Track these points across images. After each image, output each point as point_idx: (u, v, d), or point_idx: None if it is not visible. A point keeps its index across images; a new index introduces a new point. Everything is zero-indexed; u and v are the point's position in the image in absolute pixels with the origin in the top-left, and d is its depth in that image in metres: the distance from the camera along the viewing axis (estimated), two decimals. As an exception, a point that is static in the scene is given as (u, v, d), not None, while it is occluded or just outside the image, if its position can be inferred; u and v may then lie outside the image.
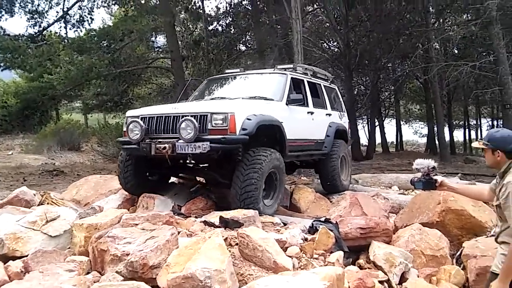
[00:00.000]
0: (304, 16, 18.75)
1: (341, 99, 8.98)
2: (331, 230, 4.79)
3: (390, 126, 32.86)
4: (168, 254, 3.64)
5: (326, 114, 7.88)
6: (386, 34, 17.96)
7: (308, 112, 7.11)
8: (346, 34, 18.80)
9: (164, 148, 5.19)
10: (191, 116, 5.21)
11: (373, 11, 17.70)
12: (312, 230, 5.02)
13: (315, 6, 20.76)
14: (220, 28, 20.95)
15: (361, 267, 4.68)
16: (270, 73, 7.36)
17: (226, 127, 5.12)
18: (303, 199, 6.75)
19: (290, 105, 6.46)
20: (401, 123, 33.22)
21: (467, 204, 5.34)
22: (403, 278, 4.60)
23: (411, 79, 24.85)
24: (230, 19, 20.96)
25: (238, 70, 7.87)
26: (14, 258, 3.83)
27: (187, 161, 5.73)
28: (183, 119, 5.17)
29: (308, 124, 7.07)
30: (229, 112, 5.18)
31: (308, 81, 7.54)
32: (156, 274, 3.49)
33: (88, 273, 3.65)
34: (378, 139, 27.50)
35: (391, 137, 32.13)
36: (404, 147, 31.97)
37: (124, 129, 5.80)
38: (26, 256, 3.79)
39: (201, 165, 6.31)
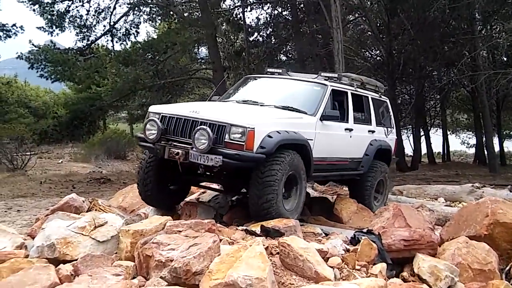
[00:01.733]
0: (345, 25, 18.64)
1: (391, 113, 8.15)
2: (374, 242, 4.73)
3: (436, 136, 31.94)
4: (210, 261, 3.70)
5: (369, 131, 7.22)
6: (431, 42, 17.56)
7: (346, 129, 6.54)
8: (388, 42, 18.52)
9: (177, 154, 4.96)
10: (209, 124, 4.92)
11: (416, 19, 17.36)
12: (354, 241, 4.97)
13: (356, 15, 20.61)
14: (260, 39, 21.14)
15: (405, 280, 4.58)
16: (309, 81, 6.75)
17: (243, 143, 4.79)
18: (345, 209, 6.67)
19: (324, 121, 5.97)
20: (448, 133, 32.27)
21: (517, 216, 5.14)
22: (449, 292, 4.48)
23: (458, 87, 24.13)
24: (271, 30, 21.11)
25: (280, 70, 7.24)
26: (65, 261, 4.00)
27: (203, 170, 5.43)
28: (198, 128, 4.88)
29: (343, 142, 6.52)
30: (249, 127, 4.82)
31: (352, 93, 6.87)
32: (198, 281, 3.55)
33: (134, 277, 3.76)
34: (424, 150, 26.83)
35: (437, 147, 31.24)
36: (451, 157, 31.02)
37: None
38: (76, 260, 3.94)
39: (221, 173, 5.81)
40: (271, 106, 5.91)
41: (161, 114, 5.32)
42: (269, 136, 4.93)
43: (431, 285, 4.42)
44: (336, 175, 6.65)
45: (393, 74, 19.03)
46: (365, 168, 6.95)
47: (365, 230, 5.18)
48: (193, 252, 3.72)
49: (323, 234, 5.22)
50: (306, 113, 5.86)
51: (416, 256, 4.76)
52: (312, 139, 5.64)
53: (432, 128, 30.69)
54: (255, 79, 7.26)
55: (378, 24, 19.98)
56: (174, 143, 5.07)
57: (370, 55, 22.59)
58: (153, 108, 5.61)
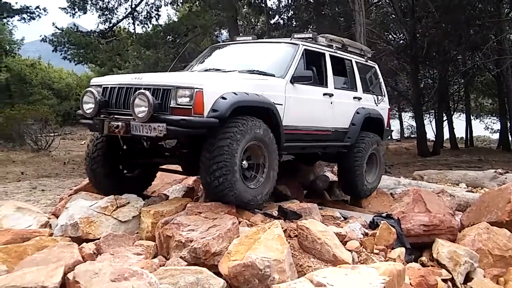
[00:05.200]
0: (368, 7, 18.31)
1: (380, 79, 7.34)
2: (393, 226, 4.71)
3: (459, 121, 31.36)
4: (229, 242, 3.75)
5: (354, 98, 6.42)
6: (455, 25, 17.14)
7: (325, 94, 5.76)
8: (412, 25, 18.15)
9: (117, 127, 4.26)
10: (152, 90, 4.22)
11: (441, 1, 16.93)
12: (373, 225, 4.97)
13: (379, -3, 20.24)
14: (281, 22, 20.95)
15: (423, 265, 4.58)
16: (278, 42, 6.12)
17: (191, 107, 4.07)
18: (364, 194, 6.62)
19: (296, 83, 5.22)
20: (471, 118, 31.63)
21: (541, 203, 5.05)
22: (468, 278, 4.47)
23: (483, 72, 23.56)
24: (292, 12, 20.90)
25: (250, 38, 6.48)
26: (87, 240, 4.10)
27: (162, 147, 4.85)
28: (136, 93, 4.18)
29: (322, 108, 5.75)
30: (197, 88, 4.10)
31: (331, 55, 6.09)
32: (217, 261, 3.61)
33: (154, 257, 3.84)
34: (447, 135, 26.40)
35: (460, 132, 30.70)
36: (474, 143, 30.47)
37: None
38: (98, 239, 4.04)
39: (180, 150, 5.04)
40: (234, 72, 5.18)
41: (103, 86, 4.69)
42: (223, 98, 4.23)
43: (450, 270, 4.41)
44: (316, 146, 5.84)
45: (417, 58, 18.70)
46: (352, 139, 6.20)
47: (384, 215, 5.17)
48: (212, 233, 3.78)
49: (342, 218, 5.22)
50: (273, 76, 5.16)
51: (436, 242, 4.75)
52: (281, 104, 4.96)
53: (455, 113, 30.14)
54: (221, 47, 6.51)
55: (402, 7, 19.56)
56: (116, 116, 4.43)
57: (393, 38, 22.22)
58: (94, 80, 4.96)
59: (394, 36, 22.35)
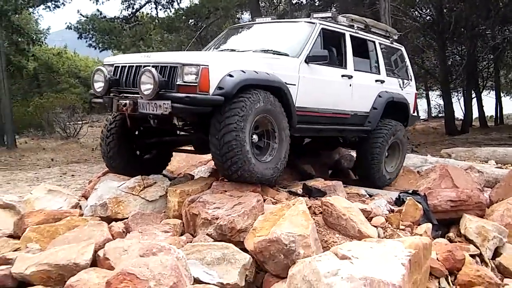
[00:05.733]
0: (393, -17, 17.88)
1: (407, 63, 7.06)
2: (419, 202, 4.67)
3: (489, 98, 30.54)
4: (254, 219, 3.79)
5: (376, 81, 6.15)
6: (484, -2, 16.61)
7: (343, 76, 5.56)
8: (439, 0, 17.66)
9: (125, 105, 4.25)
10: (159, 67, 4.20)
11: (470, -26, 16.41)
12: (399, 202, 4.94)
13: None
14: (304, 1, 20.65)
15: (451, 241, 4.53)
16: (295, 21, 5.99)
17: (196, 84, 4.03)
18: (390, 172, 6.56)
19: (311, 63, 5.06)
20: (502, 95, 30.75)
21: None
22: (496, 253, 4.41)
23: (513, 46, 22.81)
24: (315, -9, 20.57)
25: (270, 19, 6.31)
26: (116, 220, 4.20)
27: (173, 126, 4.82)
28: (143, 70, 4.15)
29: (340, 90, 5.55)
30: (202, 65, 4.04)
31: (352, 36, 5.88)
32: (243, 238, 3.66)
33: (181, 234, 3.92)
34: (476, 113, 25.78)
35: (490, 110, 29.91)
36: (504, 121, 29.67)
37: None
38: (127, 218, 4.14)
39: (191, 128, 5.03)
40: (248, 52, 5.09)
41: (114, 64, 4.66)
42: (230, 75, 4.15)
43: (478, 245, 4.35)
44: (333, 129, 5.64)
45: (444, 34, 18.23)
46: (372, 124, 5.93)
47: (410, 191, 5.13)
48: (237, 211, 3.82)
49: (367, 196, 5.19)
50: (287, 55, 5.04)
51: (463, 217, 4.68)
52: (294, 84, 4.83)
53: (484, 90, 29.35)
54: (239, 29, 6.42)
55: (427, -19, 19.04)
56: (125, 95, 4.42)
57: (419, 15, 21.63)
58: (107, 59, 4.94)
59: (420, 12, 21.76)
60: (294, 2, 20.40)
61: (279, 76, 4.62)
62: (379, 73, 6.28)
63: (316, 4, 20.28)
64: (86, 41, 19.05)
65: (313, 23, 5.43)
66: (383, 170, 6.01)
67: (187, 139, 5.35)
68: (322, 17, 5.68)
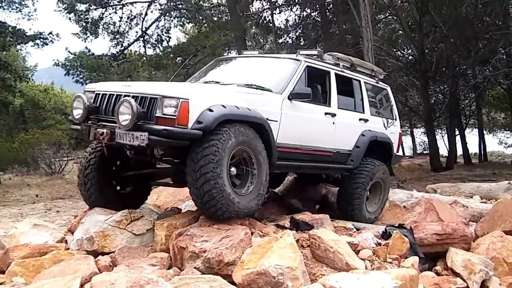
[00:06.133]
0: (376, 24, 18.47)
1: (393, 103, 7.09)
2: (406, 236, 4.72)
3: (472, 136, 31.13)
4: (242, 252, 3.79)
5: (360, 119, 6.17)
6: (464, 39, 17.19)
7: (326, 113, 5.55)
8: (420, 41, 18.24)
9: (102, 134, 4.19)
10: (138, 98, 4.15)
11: (448, 16, 17.03)
12: (386, 235, 4.97)
13: (386, 14, 20.41)
14: (290, 41, 21.18)
15: (438, 274, 4.56)
16: (281, 57, 5.98)
17: (175, 117, 3.98)
18: (377, 206, 6.61)
19: (294, 100, 5.04)
20: (484, 132, 31.38)
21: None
22: (483, 286, 4.43)
23: (494, 85, 23.46)
24: (300, 31, 21.12)
25: (257, 52, 6.35)
26: (103, 253, 4.16)
27: (153, 157, 4.78)
28: (122, 100, 4.11)
29: (323, 128, 5.54)
30: (182, 98, 3.99)
31: (337, 74, 5.88)
32: (231, 271, 3.65)
33: (169, 268, 3.89)
34: (460, 151, 26.19)
35: (473, 148, 30.43)
36: (488, 158, 30.16)
37: None
38: (113, 252, 4.10)
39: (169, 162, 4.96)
40: (233, 85, 5.05)
41: (95, 92, 4.61)
42: (210, 110, 4.09)
43: (465, 278, 4.39)
44: (314, 167, 5.62)
45: (426, 73, 18.72)
46: (355, 163, 5.91)
47: (396, 225, 5.17)
48: (225, 244, 3.82)
49: (354, 229, 5.22)
50: (270, 91, 5.00)
51: (449, 250, 4.73)
52: (276, 120, 4.79)
53: (467, 128, 29.96)
54: (226, 61, 6.39)
55: (409, 23, 19.70)
56: (104, 124, 4.37)
57: (401, 54, 22.26)
58: (88, 86, 4.91)
59: (403, 52, 22.42)
60: (280, 41, 20.91)
61: (261, 112, 4.60)
62: (363, 111, 6.30)
63: (302, 43, 20.82)
64: (73, 78, 19.17)
65: (298, 60, 5.44)
66: (364, 209, 5.97)
67: (166, 172, 5.30)
68: (308, 54, 5.69)
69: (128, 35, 19.46)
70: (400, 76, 22.07)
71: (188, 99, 4.01)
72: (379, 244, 4.68)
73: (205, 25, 18.78)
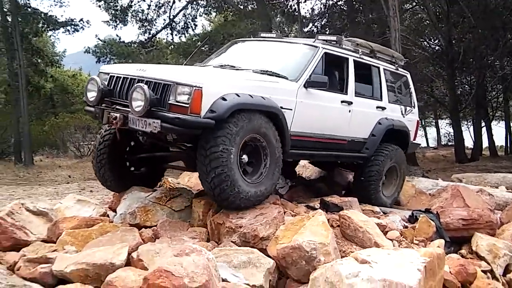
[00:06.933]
0: (402, 14, 18.29)
1: (412, 90, 6.95)
2: (432, 220, 4.87)
3: (499, 128, 30.63)
4: (275, 228, 4.03)
5: (377, 107, 6.06)
6: (492, 30, 16.93)
7: (343, 101, 5.45)
8: (448, 31, 18.04)
9: (115, 118, 4.19)
10: (152, 83, 4.12)
11: (477, 6, 16.80)
12: (412, 219, 5.13)
13: (414, 3, 20.20)
14: (315, 30, 21.13)
15: (463, 257, 4.69)
16: (298, 43, 5.83)
17: (188, 105, 3.93)
18: (403, 193, 6.71)
19: (310, 88, 4.94)
20: (511, 124, 30.88)
21: None
22: (507, 270, 4.58)
23: (522, 77, 23.06)
24: (326, 20, 21.06)
25: (274, 35, 6.22)
26: (145, 227, 4.43)
27: (166, 141, 4.70)
28: (135, 86, 4.08)
29: (338, 116, 5.44)
30: (196, 86, 3.94)
31: (355, 61, 5.75)
32: (265, 245, 3.89)
33: (207, 241, 4.15)
34: (486, 143, 25.86)
35: (500, 140, 29.96)
36: (515, 150, 29.70)
37: None
38: (155, 226, 4.37)
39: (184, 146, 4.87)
40: (248, 70, 4.96)
41: (110, 74, 4.58)
42: (223, 99, 4.04)
43: (489, 262, 4.53)
44: (327, 155, 5.54)
45: (453, 64, 18.52)
46: (370, 151, 5.83)
47: (423, 210, 5.32)
48: (260, 220, 4.07)
49: (382, 213, 5.38)
50: (286, 78, 4.91)
51: (475, 235, 4.86)
52: (290, 109, 4.72)
53: (494, 119, 29.51)
54: (242, 43, 6.23)
55: (436, 12, 19.47)
56: (118, 107, 4.35)
57: (428, 45, 22.04)
58: (103, 68, 4.86)
59: (430, 42, 22.18)
60: (305, 30, 20.90)
61: (275, 100, 4.53)
62: (381, 99, 6.19)
63: (327, 32, 20.77)
64: (103, 64, 19.64)
65: (316, 46, 5.31)
66: (381, 194, 5.92)
67: (179, 155, 5.21)
68: (326, 40, 5.62)
69: (156, 22, 19.79)
70: (426, 66, 21.86)
71: (201, 87, 3.95)
72: (406, 227, 4.85)
73: (231, 13, 18.93)
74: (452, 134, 24.83)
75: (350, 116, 5.56)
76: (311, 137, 5.12)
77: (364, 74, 5.99)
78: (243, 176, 4.22)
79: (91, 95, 4.53)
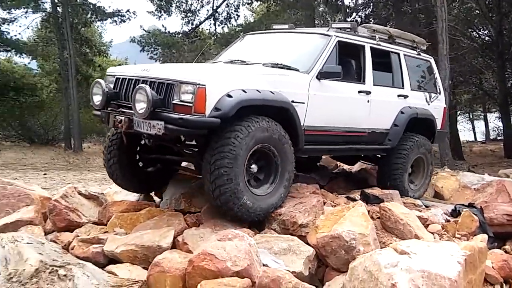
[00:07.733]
0: (450, 3, 17.75)
1: (436, 75, 6.57)
2: (475, 214, 4.81)
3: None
4: (314, 216, 4.11)
5: (399, 95, 5.78)
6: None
7: (360, 91, 5.21)
8: (498, 21, 17.37)
9: (121, 121, 4.07)
10: (155, 83, 3.97)
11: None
12: (455, 213, 5.08)
13: (463, -8, 19.54)
14: (359, 19, 20.81)
15: (507, 253, 4.62)
16: (310, 32, 5.59)
17: (191, 104, 3.75)
18: (446, 187, 6.62)
19: (324, 79, 4.71)
20: None
21: None
22: (554, 267, 4.45)
23: None
24: (370, 10, 20.69)
25: (287, 26, 5.95)
26: (190, 213, 4.59)
27: (175, 143, 4.65)
28: (137, 87, 3.90)
29: (356, 107, 5.20)
30: (199, 84, 3.75)
31: (372, 48, 5.50)
32: (305, 233, 3.98)
33: (249, 228, 4.27)
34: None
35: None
36: None
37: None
38: (198, 212, 4.52)
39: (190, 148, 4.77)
40: (258, 64, 4.77)
41: (115, 76, 4.45)
42: (229, 96, 3.84)
43: (535, 259, 4.43)
44: (347, 149, 5.32)
45: (503, 55, 17.84)
46: (393, 142, 5.57)
47: (466, 204, 5.25)
48: (299, 208, 4.18)
49: (423, 206, 5.35)
50: (297, 70, 4.68)
51: (520, 231, 4.77)
52: (303, 102, 4.50)
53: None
54: (254, 36, 6.02)
55: (486, 2, 18.76)
56: (123, 110, 4.20)
57: (477, 35, 21.27)
58: (110, 70, 4.74)
59: (479, 32, 21.40)
60: (348, 20, 20.62)
61: (286, 94, 4.31)
62: (402, 87, 5.91)
63: (371, 22, 20.40)
64: (148, 54, 20.16)
65: (329, 35, 5.07)
66: (407, 186, 5.72)
67: (188, 158, 5.06)
68: (340, 27, 5.41)
69: (199, 13, 20.10)
70: (475, 57, 21.13)
71: (205, 85, 3.77)
72: (448, 221, 4.81)
73: (274, 4, 18.94)
74: (502, 128, 23.91)
75: (369, 106, 5.34)
76: (327, 131, 4.93)
77: (383, 61, 5.77)
78: (249, 187, 4.05)
79: (97, 99, 4.41)
